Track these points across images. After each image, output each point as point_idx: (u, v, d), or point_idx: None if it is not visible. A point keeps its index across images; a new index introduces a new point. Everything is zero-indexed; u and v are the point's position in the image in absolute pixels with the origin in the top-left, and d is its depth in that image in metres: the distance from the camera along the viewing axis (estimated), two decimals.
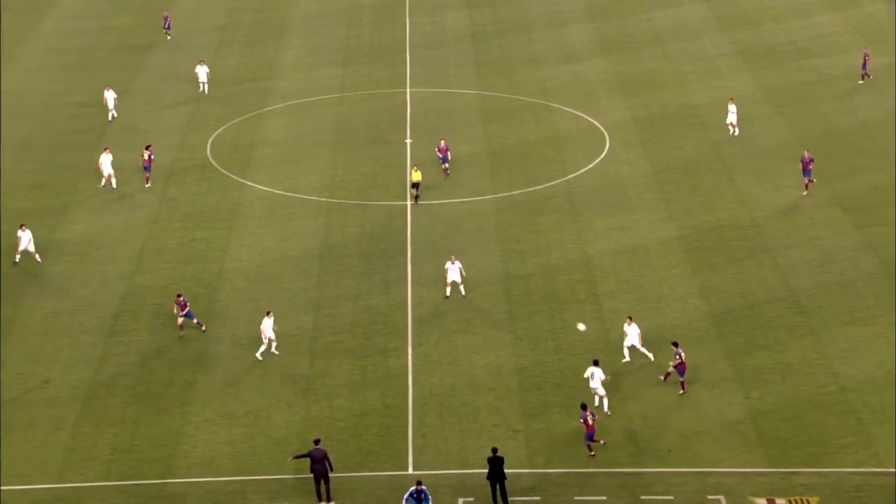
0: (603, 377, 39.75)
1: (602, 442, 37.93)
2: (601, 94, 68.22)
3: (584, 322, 43.02)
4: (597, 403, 39.78)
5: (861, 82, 68.13)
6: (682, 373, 40.59)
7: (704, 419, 39.54)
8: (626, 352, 42.33)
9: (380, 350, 43.81)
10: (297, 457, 36.35)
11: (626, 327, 42.45)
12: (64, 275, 48.74)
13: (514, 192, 56.28)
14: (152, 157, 56.70)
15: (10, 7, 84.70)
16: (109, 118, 63.92)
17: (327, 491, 35.92)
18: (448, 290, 46.74)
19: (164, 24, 77.64)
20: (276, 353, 43.16)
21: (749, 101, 65.61)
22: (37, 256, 49.34)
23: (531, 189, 56.66)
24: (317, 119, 65.76)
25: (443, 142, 57.66)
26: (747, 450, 37.97)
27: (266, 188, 56.96)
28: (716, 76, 70.53)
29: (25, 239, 48.89)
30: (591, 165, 59.06)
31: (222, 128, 64.25)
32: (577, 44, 76.63)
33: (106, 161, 56.10)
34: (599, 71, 71.69)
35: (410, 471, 37.32)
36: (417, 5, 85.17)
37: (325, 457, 35.82)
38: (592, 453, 37.55)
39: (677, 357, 40.43)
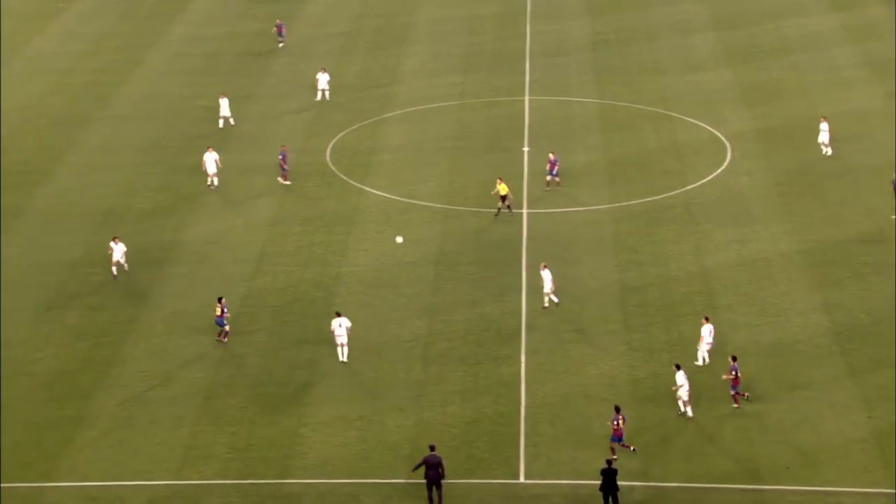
0: (681, 382, 39.62)
1: (633, 448, 37.79)
2: (723, 103, 67.34)
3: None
4: (681, 410, 39.68)
5: None
6: (734, 387, 40.05)
7: (825, 437, 38.77)
8: (701, 357, 42.11)
9: (493, 357, 43.90)
10: (416, 467, 36.50)
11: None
12: (187, 275, 49.87)
13: (633, 202, 55.88)
14: (287, 155, 57.67)
15: (140, 13, 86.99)
16: (220, 124, 64.94)
17: (439, 497, 36.12)
18: (546, 300, 46.62)
19: (278, 32, 78.64)
20: (345, 360, 43.21)
21: (877, 115, 64.09)
22: (125, 266, 49.03)
23: (650, 199, 56.19)
24: (436, 126, 66.17)
25: (552, 154, 57.49)
26: (869, 470, 37.11)
27: (384, 194, 57.52)
28: (844, 88, 69.07)
29: (118, 252, 48.83)
30: (711, 176, 58.34)
31: (342, 133, 65.07)
32: (701, 52, 75.76)
33: (210, 160, 57.27)
34: (722, 80, 70.78)
35: (522, 479, 37.32)
36: (539, 13, 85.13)
37: (439, 463, 36.02)
38: (615, 457, 37.14)
39: (732, 372, 39.93)
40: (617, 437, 37.76)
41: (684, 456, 38.04)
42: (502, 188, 54.12)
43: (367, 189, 58.18)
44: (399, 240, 42.83)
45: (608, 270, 49.73)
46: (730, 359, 40.61)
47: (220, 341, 44.55)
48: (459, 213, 55.21)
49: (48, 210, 55.71)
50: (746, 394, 40.50)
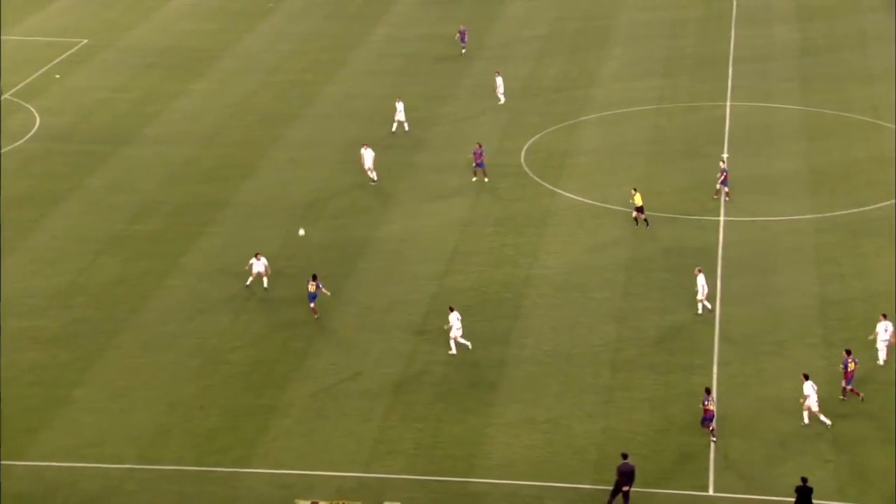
0: (807, 393, 38.59)
1: (712, 431, 38.30)
2: None
3: None
4: (805, 421, 38.86)
5: None
6: (847, 380, 39.71)
7: None
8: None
9: (684, 367, 43.06)
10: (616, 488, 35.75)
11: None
12: (380, 271, 50.63)
13: (837, 213, 53.98)
14: (482, 153, 58.00)
15: (346, 13, 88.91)
16: (394, 128, 65.41)
17: None
18: (699, 307, 45.53)
19: (461, 37, 78.83)
20: (454, 352, 43.59)
21: None
22: (265, 283, 48.45)
23: (855, 210, 54.17)
24: (633, 130, 65.41)
25: (722, 163, 56.06)
26: None
27: (577, 197, 57.16)
28: None
29: (259, 266, 48.22)
30: None
31: (538, 135, 64.99)
32: None
33: (368, 156, 58.25)
34: None
35: (711, 492, 36.46)
36: (744, 18, 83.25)
37: (632, 472, 35.49)
38: (714, 439, 37.89)
39: (843, 366, 39.49)
40: (708, 417, 38.20)
41: (883, 476, 36.46)
42: (637, 199, 53.20)
43: (560, 192, 57.93)
44: (301, 232, 44.20)
45: (809, 282, 48.15)
46: (843, 352, 40.09)
47: (314, 312, 46.16)
48: (653, 218, 54.38)
49: (251, 203, 57.44)
50: (861, 395, 39.57)
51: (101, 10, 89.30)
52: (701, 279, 45.60)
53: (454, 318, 43.88)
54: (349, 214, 55.85)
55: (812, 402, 38.83)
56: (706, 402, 38.35)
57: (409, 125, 65.16)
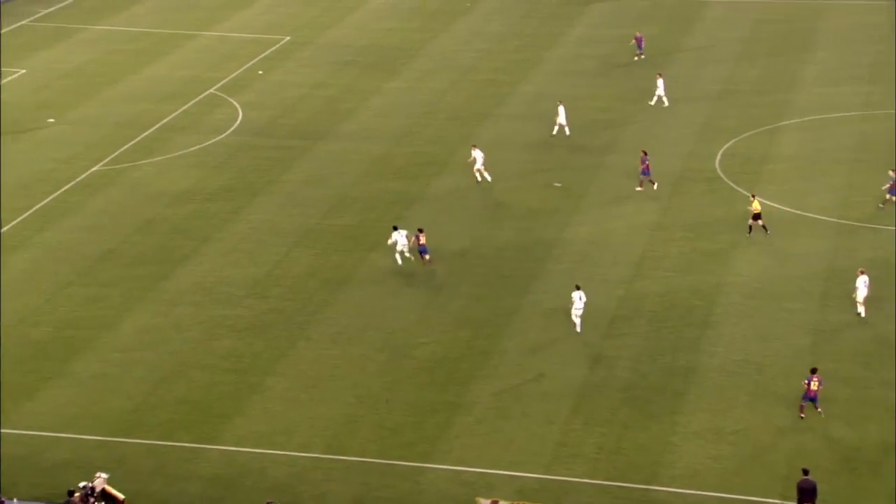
0: None
1: (819, 409, 39.01)
2: None
3: None
4: None
5: None
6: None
7: None
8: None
9: (884, 382, 41.55)
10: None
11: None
12: (567, 273, 50.48)
13: None
14: (648, 162, 57.32)
15: (541, 14, 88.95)
16: (555, 131, 64.77)
17: None
18: (859, 307, 44.28)
19: (637, 44, 77.53)
20: (579, 330, 45.17)
21: None
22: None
23: None
24: (836, 136, 63.43)
25: (892, 172, 53.72)
26: None
27: (774, 204, 55.77)
28: None
29: (401, 241, 50.68)
30: None
31: (734, 140, 63.69)
32: None
33: (479, 156, 58.82)
34: None
35: None
36: None
37: (814, 489, 34.48)
38: (802, 415, 38.99)
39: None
40: (810, 397, 39.26)
41: None
42: (755, 205, 51.55)
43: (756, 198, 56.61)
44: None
45: None
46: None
47: (427, 262, 50.22)
48: (854, 228, 52.63)
49: (441, 200, 58.09)
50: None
51: (303, 9, 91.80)
52: (861, 281, 44.06)
53: (577, 297, 45.20)
54: (537, 215, 55.88)
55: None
56: (810, 381, 39.17)
57: (556, 129, 64.56)
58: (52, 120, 69.19)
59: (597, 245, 53.04)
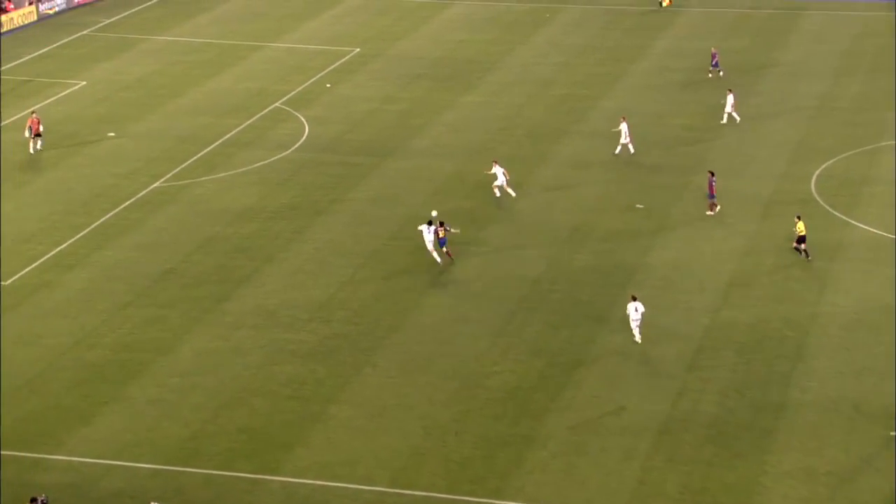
0: None
1: None
2: None
3: None
4: None
5: None
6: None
7: None
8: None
9: None
10: None
11: None
12: (649, 300, 49.95)
13: None
14: (713, 183, 56.68)
15: (623, 26, 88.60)
16: (617, 150, 64.32)
17: None
18: None
19: (712, 60, 76.61)
20: (639, 340, 45.97)
21: None
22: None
23: None
24: None
25: None
26: None
27: (873, 229, 54.89)
28: None
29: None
30: None
31: (831, 160, 62.85)
32: None
33: (499, 172, 59.14)
34: None
35: None
36: None
37: None
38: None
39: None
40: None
41: None
42: (800, 227, 51.12)
43: (854, 223, 55.77)
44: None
45: None
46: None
47: (449, 255, 52.73)
48: None
49: (516, 222, 57.94)
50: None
51: (373, 19, 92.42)
52: None
53: (632, 308, 45.68)
54: (618, 238, 55.50)
55: None
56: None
57: (619, 149, 64.06)
58: (112, 134, 70.22)
59: (681, 270, 52.52)
